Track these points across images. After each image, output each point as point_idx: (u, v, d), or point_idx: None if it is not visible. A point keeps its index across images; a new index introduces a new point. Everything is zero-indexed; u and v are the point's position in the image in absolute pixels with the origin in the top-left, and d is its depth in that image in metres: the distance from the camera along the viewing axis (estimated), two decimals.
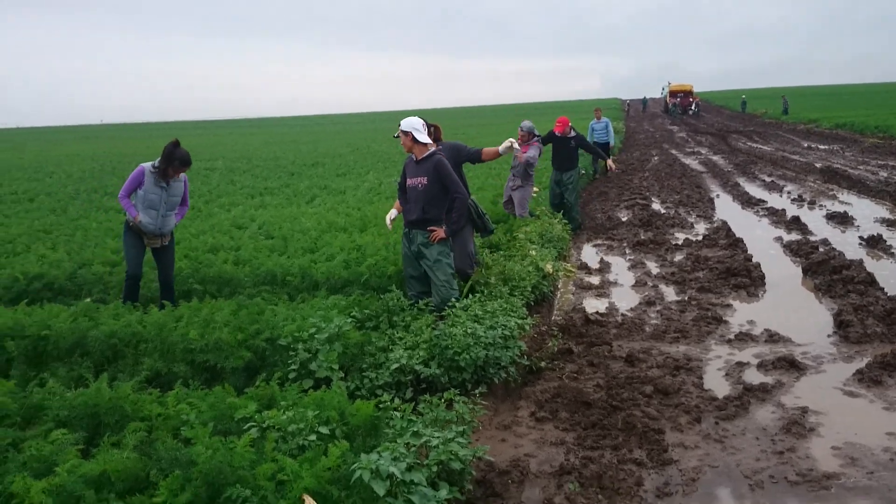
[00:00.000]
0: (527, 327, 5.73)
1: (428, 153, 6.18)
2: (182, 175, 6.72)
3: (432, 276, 6.12)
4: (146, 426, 3.71)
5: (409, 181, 6.27)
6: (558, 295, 8.22)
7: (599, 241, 11.27)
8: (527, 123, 11.08)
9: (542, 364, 5.59)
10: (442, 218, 6.20)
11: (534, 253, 8.07)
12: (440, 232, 6.10)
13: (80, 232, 10.51)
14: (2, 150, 48.80)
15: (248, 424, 3.75)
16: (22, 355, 5.25)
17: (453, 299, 5.93)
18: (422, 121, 6.28)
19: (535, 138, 11.05)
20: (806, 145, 28.42)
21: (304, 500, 2.95)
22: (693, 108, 63.21)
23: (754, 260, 9.08)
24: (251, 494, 2.96)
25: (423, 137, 6.17)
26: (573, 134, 11.98)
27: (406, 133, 6.15)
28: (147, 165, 6.57)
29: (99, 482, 3.12)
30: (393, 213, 6.84)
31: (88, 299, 6.85)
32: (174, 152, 6.48)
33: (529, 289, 7.16)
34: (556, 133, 11.76)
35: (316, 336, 5.18)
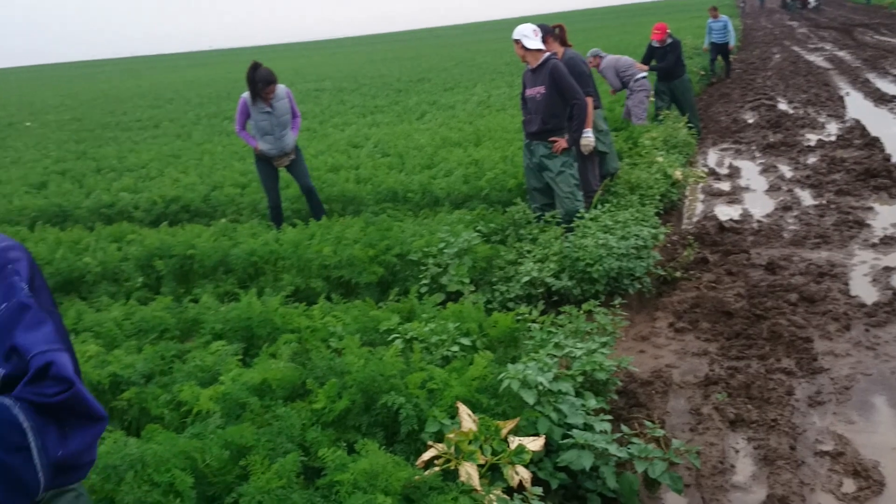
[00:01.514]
0: (660, 236, 5.56)
1: (542, 59, 5.93)
2: (281, 91, 6.72)
3: (556, 188, 5.97)
4: (297, 338, 3.86)
5: (527, 92, 6.07)
6: (688, 202, 7.94)
7: (726, 145, 10.73)
8: (591, 51, 10.29)
9: (677, 274, 5.44)
10: (563, 127, 6.01)
11: (661, 159, 7.77)
12: (562, 142, 5.91)
13: (207, 156, 10.91)
14: (121, 79, 50.99)
15: (393, 336, 3.84)
16: (170, 273, 5.55)
17: (580, 210, 5.80)
18: (533, 27, 5.99)
19: (639, 75, 10.20)
20: None
21: (457, 408, 3.01)
22: (813, 1, 58.50)
23: (894, 160, 8.44)
24: (405, 402, 3.04)
25: (533, 43, 5.89)
26: (671, 41, 10.96)
27: (516, 41, 5.92)
28: (246, 95, 6.63)
29: (260, 390, 3.28)
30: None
31: (224, 220, 7.13)
32: (254, 76, 6.46)
33: (658, 197, 6.93)
34: (655, 43, 10.85)
35: (445, 250, 5.21)
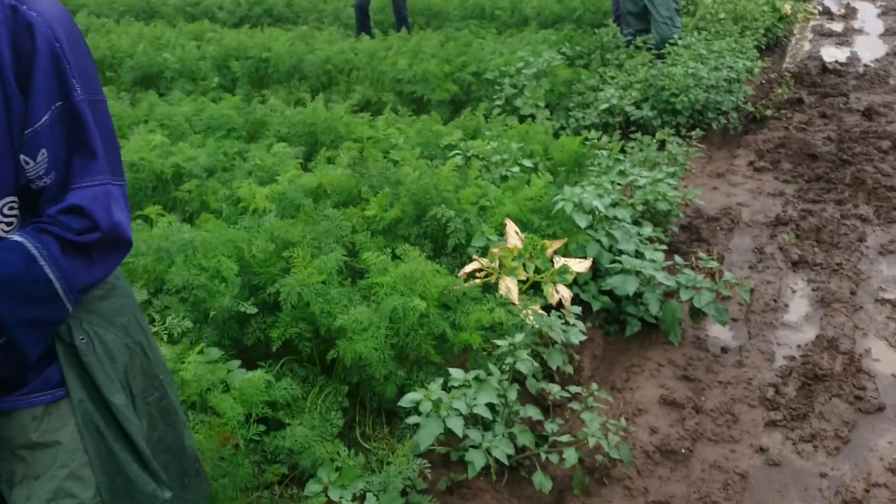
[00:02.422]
0: (756, 71, 5.16)
1: None
2: None
3: (654, 11, 5.57)
4: (358, 147, 3.84)
5: None
6: (793, 41, 7.31)
7: None
8: None
9: (768, 112, 5.09)
10: None
11: None
12: None
13: None
14: None
15: (453, 152, 3.77)
16: (245, 75, 5.55)
17: (676, 37, 5.41)
18: None
19: None
20: None
21: (505, 225, 2.97)
22: None
23: None
24: (454, 216, 3.01)
25: None
26: None
27: None
28: None
29: (316, 193, 3.30)
30: None
31: (305, 26, 7.01)
32: None
33: (762, 31, 6.39)
34: None
35: (524, 71, 4.99)
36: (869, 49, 6.89)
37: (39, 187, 1.23)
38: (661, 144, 4.00)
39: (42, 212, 1.23)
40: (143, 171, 3.44)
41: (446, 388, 2.23)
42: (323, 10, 7.53)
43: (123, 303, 1.44)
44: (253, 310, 2.41)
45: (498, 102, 4.94)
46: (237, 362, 2.28)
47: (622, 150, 3.93)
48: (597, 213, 3.11)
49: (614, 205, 3.22)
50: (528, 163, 3.68)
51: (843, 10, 8.30)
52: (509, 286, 2.71)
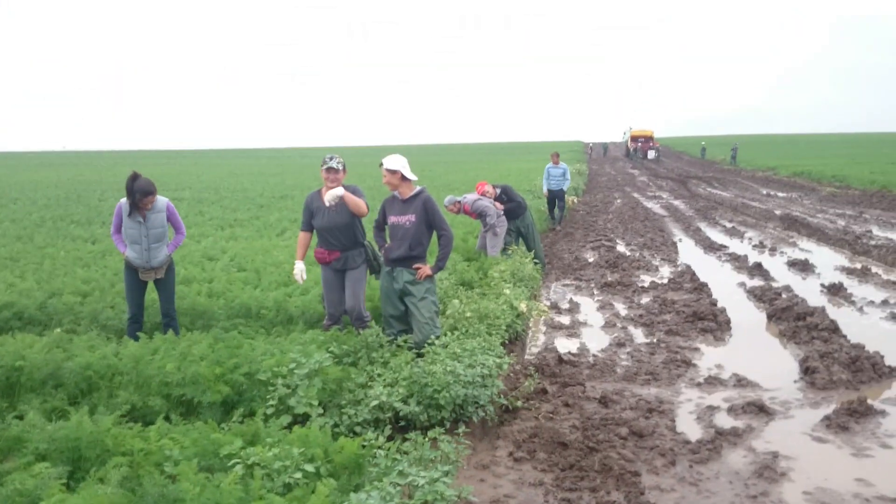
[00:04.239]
0: (504, 366, 5.79)
1: (416, 191, 6.27)
2: (161, 203, 6.68)
3: (417, 312, 6.17)
4: (128, 461, 3.68)
5: (392, 219, 6.32)
6: (531, 334, 8.31)
7: (568, 281, 11.43)
8: (447, 200, 11.00)
9: (519, 403, 5.64)
10: (425, 255, 6.29)
11: (508, 291, 8.17)
12: (427, 269, 6.20)
13: (49, 260, 10.35)
14: None
15: (234, 461, 3.74)
16: None
17: (433, 337, 5.99)
18: (405, 159, 6.34)
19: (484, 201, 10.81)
20: (765, 192, 29.16)
21: None
22: (654, 153, 64.59)
23: (720, 304, 9.28)
24: None
25: (411, 174, 6.25)
26: (499, 190, 11.51)
27: (393, 171, 6.21)
28: (123, 201, 6.55)
29: None
30: (300, 266, 6.68)
31: (59, 329, 6.74)
32: (133, 186, 6.43)
33: (504, 327, 7.24)
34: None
35: (296, 371, 5.18)
36: (595, 340, 7.96)
37: None
38: (433, 442, 4.27)
39: None
40: None
41: None
42: (79, 311, 7.32)
43: None
44: None
45: (272, 402, 5.02)
46: None
47: (398, 450, 4.13)
48: None
49: None
50: (309, 468, 3.74)
51: (568, 305, 9.61)
52: None
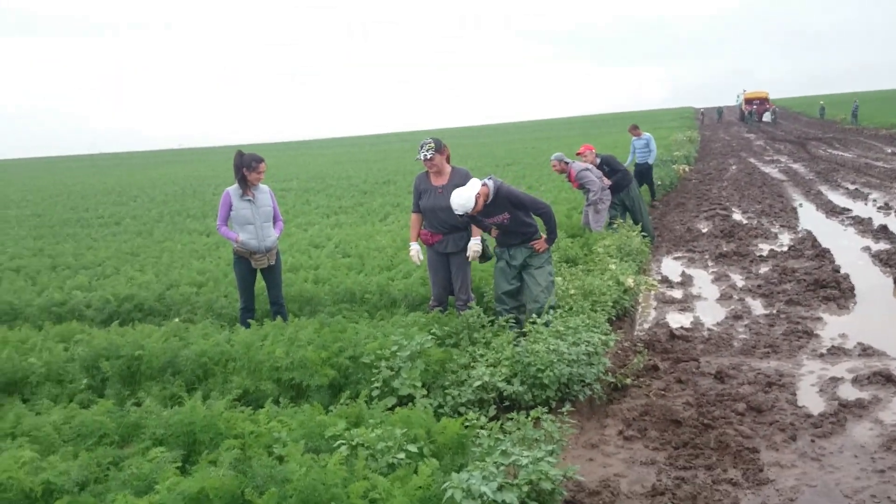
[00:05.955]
0: (610, 343, 5.62)
1: (491, 194, 6.04)
2: (264, 187, 6.82)
3: (532, 282, 6.15)
4: (240, 444, 3.78)
5: (489, 220, 6.20)
6: (640, 310, 8.06)
7: (680, 254, 11.02)
8: (555, 155, 10.61)
9: (628, 381, 5.47)
10: (536, 231, 6.25)
11: (613, 267, 7.94)
12: (542, 242, 6.22)
13: (166, 254, 10.88)
14: (86, 175, 51.05)
15: (338, 442, 3.78)
16: (116, 375, 5.43)
17: (548, 305, 5.91)
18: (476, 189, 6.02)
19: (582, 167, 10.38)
20: (889, 151, 27.24)
21: None
22: (770, 115, 61.52)
23: (843, 271, 8.74)
24: None
25: (477, 186, 5.99)
26: (599, 160, 11.11)
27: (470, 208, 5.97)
28: (229, 188, 6.72)
29: (197, 499, 3.18)
30: (415, 248, 6.70)
31: (177, 319, 7.05)
32: (242, 159, 6.62)
33: (610, 304, 7.04)
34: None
35: (398, 353, 5.20)
36: (709, 313, 7.64)
37: None
38: (537, 421, 4.18)
39: None
40: (10, 491, 3.21)
41: None
42: (195, 301, 7.64)
43: None
44: None
45: (376, 385, 5.06)
46: None
47: (500, 429, 4.07)
48: (485, 497, 3.15)
49: (501, 488, 3.28)
50: (412, 448, 3.73)
51: (680, 279, 9.28)
52: None
